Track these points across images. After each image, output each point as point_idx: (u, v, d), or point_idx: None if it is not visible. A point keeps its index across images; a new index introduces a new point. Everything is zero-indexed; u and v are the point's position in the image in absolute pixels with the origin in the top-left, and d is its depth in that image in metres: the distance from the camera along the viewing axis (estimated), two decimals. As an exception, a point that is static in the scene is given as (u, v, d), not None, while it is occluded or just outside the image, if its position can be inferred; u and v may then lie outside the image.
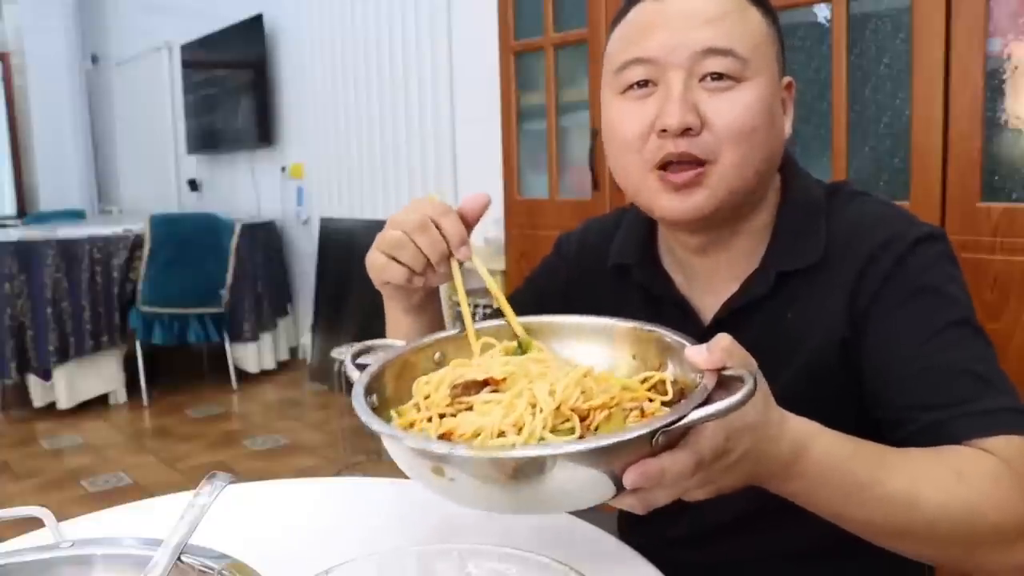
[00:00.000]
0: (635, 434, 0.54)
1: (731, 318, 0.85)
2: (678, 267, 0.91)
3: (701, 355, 0.60)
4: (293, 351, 4.97)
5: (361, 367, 0.70)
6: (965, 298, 0.80)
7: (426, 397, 0.66)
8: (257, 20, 4.83)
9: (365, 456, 3.23)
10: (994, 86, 1.61)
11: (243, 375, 4.51)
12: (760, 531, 0.86)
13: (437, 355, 0.75)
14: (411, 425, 0.64)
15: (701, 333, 0.86)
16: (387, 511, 0.87)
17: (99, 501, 2.92)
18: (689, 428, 0.56)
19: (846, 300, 0.80)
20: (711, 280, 0.88)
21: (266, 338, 4.67)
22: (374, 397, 0.67)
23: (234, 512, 0.82)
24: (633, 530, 0.95)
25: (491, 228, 3.17)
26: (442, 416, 0.64)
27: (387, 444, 0.61)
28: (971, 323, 0.78)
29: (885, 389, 0.78)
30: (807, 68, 1.87)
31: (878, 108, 1.78)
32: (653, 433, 0.55)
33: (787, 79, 0.86)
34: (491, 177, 3.06)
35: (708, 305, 0.89)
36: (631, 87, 0.82)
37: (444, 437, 0.61)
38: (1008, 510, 0.68)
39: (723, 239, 0.86)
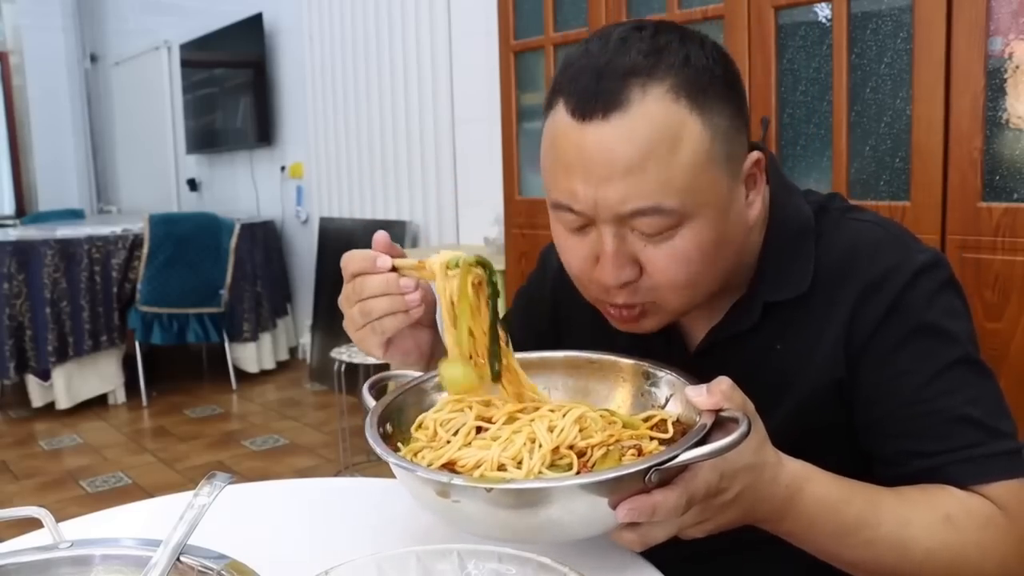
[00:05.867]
0: (627, 471, 0.57)
1: (716, 348, 0.83)
2: None
3: (700, 395, 0.62)
4: (293, 351, 4.97)
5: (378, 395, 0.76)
6: (966, 331, 0.77)
7: (431, 437, 0.71)
8: (257, 19, 4.83)
9: (365, 456, 3.22)
10: (995, 85, 1.61)
11: (242, 375, 4.50)
12: (760, 558, 0.85)
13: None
14: (416, 454, 0.69)
15: (686, 362, 0.83)
16: (387, 511, 0.87)
17: (98, 501, 2.91)
18: (684, 467, 0.59)
19: (841, 336, 0.77)
20: (697, 307, 0.85)
21: (265, 338, 4.66)
22: (388, 425, 0.73)
23: (234, 512, 0.82)
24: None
25: (491, 228, 3.16)
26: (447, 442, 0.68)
27: (396, 472, 0.65)
28: (970, 359, 0.76)
29: (880, 430, 0.77)
30: (807, 68, 1.87)
31: (878, 108, 1.78)
32: (646, 471, 0.58)
33: (754, 156, 0.77)
34: (491, 177, 3.06)
35: (694, 333, 0.86)
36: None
37: (447, 467, 0.65)
38: (996, 556, 0.69)
39: None
